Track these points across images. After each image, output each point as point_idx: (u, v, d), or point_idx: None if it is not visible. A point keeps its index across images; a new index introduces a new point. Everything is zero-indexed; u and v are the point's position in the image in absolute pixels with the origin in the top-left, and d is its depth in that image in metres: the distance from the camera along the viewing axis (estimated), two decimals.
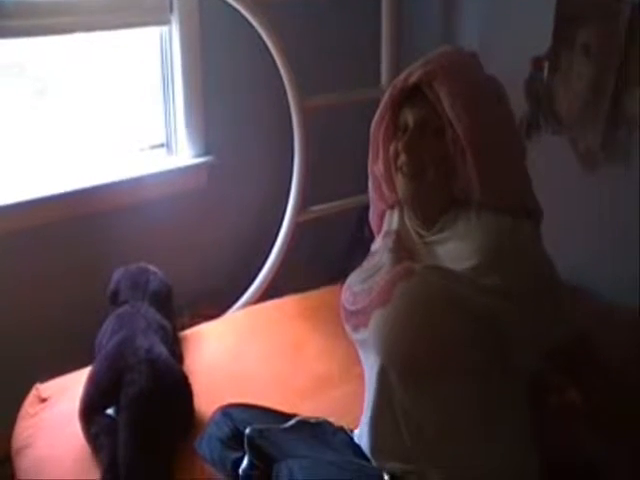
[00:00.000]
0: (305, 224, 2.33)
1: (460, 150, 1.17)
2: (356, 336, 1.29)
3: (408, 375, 1.19)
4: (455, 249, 1.21)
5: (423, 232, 1.28)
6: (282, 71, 2.16)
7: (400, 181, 1.25)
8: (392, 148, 1.25)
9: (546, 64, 2.02)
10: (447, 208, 1.24)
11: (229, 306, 2.31)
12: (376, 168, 1.33)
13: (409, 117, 1.22)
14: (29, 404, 1.70)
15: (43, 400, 1.70)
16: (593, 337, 1.24)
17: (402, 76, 1.24)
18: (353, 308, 1.29)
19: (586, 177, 1.98)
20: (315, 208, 2.36)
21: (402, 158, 1.23)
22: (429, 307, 1.16)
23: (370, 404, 1.27)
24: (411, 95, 1.22)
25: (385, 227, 1.40)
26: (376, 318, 1.21)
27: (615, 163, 1.90)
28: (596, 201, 1.97)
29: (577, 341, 1.20)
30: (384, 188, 1.33)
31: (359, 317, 1.26)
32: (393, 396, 1.21)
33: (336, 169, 2.48)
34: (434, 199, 1.24)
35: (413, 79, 1.20)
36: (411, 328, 1.16)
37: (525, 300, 1.14)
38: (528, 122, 2.08)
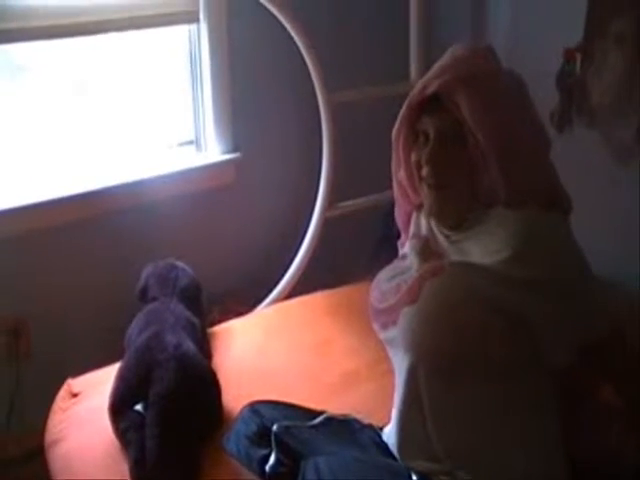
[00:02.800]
0: (333, 220, 2.32)
1: (483, 156, 1.16)
2: (385, 335, 1.28)
3: (437, 372, 1.18)
4: (486, 244, 1.19)
5: (450, 232, 1.26)
6: (310, 66, 2.15)
7: (426, 192, 1.24)
8: (414, 157, 1.24)
9: (578, 55, 1.97)
10: (474, 207, 1.23)
11: (258, 303, 2.31)
12: (400, 174, 1.33)
13: (429, 127, 1.21)
14: (61, 399, 1.72)
15: (74, 395, 1.73)
16: (629, 333, 1.21)
17: (418, 87, 1.22)
18: (382, 306, 1.28)
19: (620, 171, 1.94)
20: (344, 204, 2.35)
21: (426, 170, 1.21)
22: (458, 304, 1.14)
23: (398, 402, 1.26)
24: (429, 103, 1.21)
25: (413, 229, 1.39)
26: (405, 315, 1.20)
27: None
28: (630, 195, 1.93)
29: (612, 337, 1.18)
30: (409, 192, 1.33)
31: (388, 315, 1.25)
32: (421, 394, 1.20)
33: (365, 165, 2.46)
34: (460, 205, 1.23)
35: (430, 90, 1.19)
36: (440, 325, 1.15)
37: (557, 292, 1.12)
38: (560, 115, 2.04)
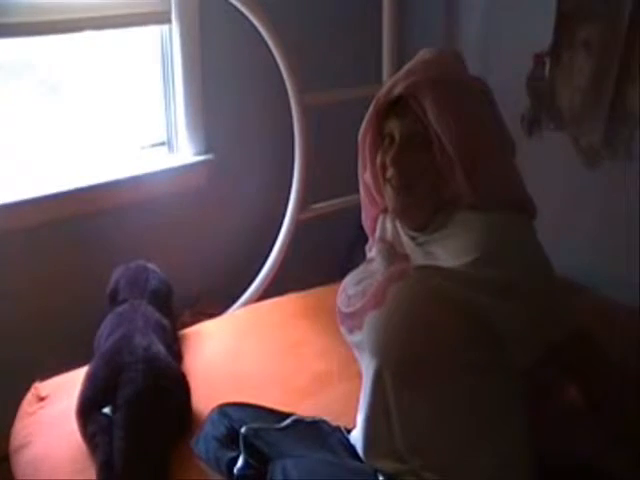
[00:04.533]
0: (307, 222, 2.32)
1: (448, 159, 1.17)
2: (351, 338, 1.29)
3: (402, 376, 1.18)
4: (452, 246, 1.19)
5: (416, 234, 1.27)
6: (282, 68, 2.15)
7: (389, 193, 1.25)
8: (379, 159, 1.25)
9: (547, 60, 2.00)
10: (439, 210, 1.23)
11: (230, 304, 2.30)
12: (365, 176, 1.33)
13: (394, 129, 1.22)
14: (28, 403, 1.69)
15: (42, 399, 1.70)
16: (593, 334, 1.23)
17: (385, 88, 1.23)
18: (348, 310, 1.28)
19: (588, 173, 1.97)
20: (317, 206, 2.36)
21: (390, 171, 1.22)
22: (422, 307, 1.15)
23: (365, 406, 1.26)
24: (395, 105, 1.22)
25: (378, 233, 1.39)
26: (370, 320, 1.20)
27: (617, 159, 1.88)
28: (598, 197, 1.96)
29: (577, 338, 1.19)
30: (375, 195, 1.34)
31: (354, 319, 1.25)
32: (388, 398, 1.20)
33: (338, 166, 2.46)
34: (424, 207, 1.24)
35: (396, 92, 1.20)
36: (404, 329, 1.15)
37: (523, 294, 1.13)
38: (530, 118, 2.07)
